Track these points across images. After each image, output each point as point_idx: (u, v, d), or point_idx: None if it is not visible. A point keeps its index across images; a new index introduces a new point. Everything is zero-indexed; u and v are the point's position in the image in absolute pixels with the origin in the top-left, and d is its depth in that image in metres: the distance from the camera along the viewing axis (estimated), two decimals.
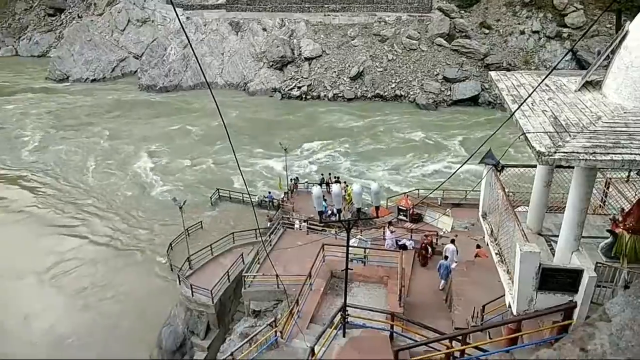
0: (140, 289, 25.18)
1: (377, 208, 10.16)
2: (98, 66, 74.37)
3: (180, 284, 22.16)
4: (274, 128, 50.14)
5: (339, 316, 12.39)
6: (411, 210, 26.14)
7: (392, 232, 21.46)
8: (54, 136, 50.64)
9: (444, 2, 65.14)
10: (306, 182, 32.83)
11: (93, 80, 72.28)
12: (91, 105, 60.92)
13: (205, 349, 20.83)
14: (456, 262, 17.84)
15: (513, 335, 8.90)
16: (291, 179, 32.93)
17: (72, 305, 24.56)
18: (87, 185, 38.98)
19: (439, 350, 10.00)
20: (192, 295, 21.31)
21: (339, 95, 60.13)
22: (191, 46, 7.41)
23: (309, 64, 63.89)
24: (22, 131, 52.23)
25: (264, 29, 68.33)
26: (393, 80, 59.94)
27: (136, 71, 71.72)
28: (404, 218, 26.25)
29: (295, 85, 62.26)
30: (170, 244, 26.87)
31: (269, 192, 32.00)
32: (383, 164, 40.99)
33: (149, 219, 32.99)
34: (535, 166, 9.43)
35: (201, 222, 29.47)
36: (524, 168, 10.37)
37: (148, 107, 59.15)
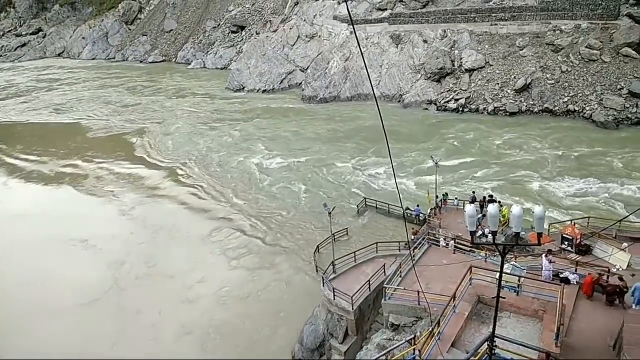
0: (287, 284, 26.78)
1: (539, 235, 9.13)
2: (269, 78, 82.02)
3: (323, 285, 22.63)
4: (423, 140, 49.59)
5: (484, 346, 11.38)
6: (578, 241, 22.96)
7: (551, 262, 19.12)
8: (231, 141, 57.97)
9: (635, 7, 56.35)
10: (456, 198, 31.12)
11: (264, 91, 79.92)
12: (245, 110, 69.12)
13: (342, 353, 20.94)
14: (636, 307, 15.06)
15: None
16: (443, 194, 31.75)
17: (235, 281, 27.52)
18: (235, 179, 43.89)
19: None
20: (334, 299, 21.58)
21: (501, 108, 56.27)
22: (362, 53, 7.50)
23: (469, 76, 61.14)
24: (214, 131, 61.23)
25: (425, 41, 67.58)
26: (566, 94, 53.94)
27: (301, 83, 77.18)
28: (569, 248, 23.20)
29: (452, 98, 60.15)
30: (317, 247, 27.88)
31: (417, 206, 31.29)
32: (544, 185, 37.39)
33: (296, 219, 34.80)
34: None
35: (347, 228, 30.12)
36: None
37: (304, 115, 63.96)
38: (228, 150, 52.26)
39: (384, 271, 22.55)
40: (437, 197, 31.29)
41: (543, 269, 18.96)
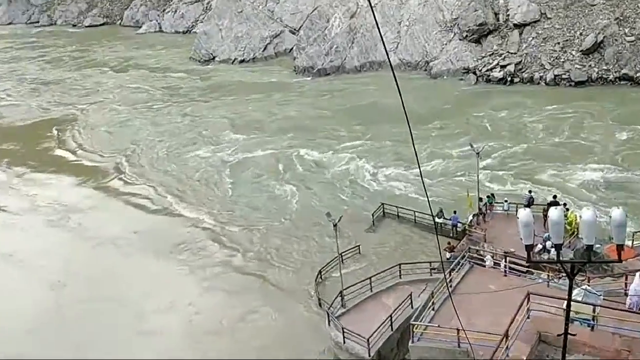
0: (277, 320, 26.87)
1: (619, 247, 9.09)
2: (248, 44, 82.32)
3: (329, 324, 22.78)
4: (458, 123, 49.94)
5: None
6: None
7: None
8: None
9: None
10: (505, 201, 31.05)
11: (242, 61, 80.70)
12: (211, 87, 71.38)
13: None
14: None
15: None
16: (488, 196, 31.81)
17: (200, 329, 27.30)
18: (200, 179, 45.42)
19: None
20: (344, 342, 21.66)
21: (563, 76, 56.55)
22: (372, 7, 7.46)
23: (520, 33, 61.37)
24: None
25: None
26: None
27: (292, 49, 77.60)
28: None
29: (497, 64, 60.37)
30: (320, 272, 27.92)
31: (454, 213, 31.02)
32: (622, 181, 37.70)
33: (288, 233, 35.05)
34: None
35: (359, 246, 30.13)
36: None
37: (294, 92, 65.36)
38: (187, 140, 53.62)
39: (411, 303, 22.69)
40: (480, 200, 31.15)
41: (629, 294, 18.80)
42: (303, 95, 64.73)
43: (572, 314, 12.52)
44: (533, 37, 60.29)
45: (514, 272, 23.25)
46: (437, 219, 30.82)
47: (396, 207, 33.88)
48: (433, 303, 20.71)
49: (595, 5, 59.52)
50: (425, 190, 12.80)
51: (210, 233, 36.50)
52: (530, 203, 29.90)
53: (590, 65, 56.25)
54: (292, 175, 44.33)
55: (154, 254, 34.24)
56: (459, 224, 30.63)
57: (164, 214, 40.14)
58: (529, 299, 16.94)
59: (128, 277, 31.73)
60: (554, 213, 9.21)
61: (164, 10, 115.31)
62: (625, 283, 20.06)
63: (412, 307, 22.45)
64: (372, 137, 49.39)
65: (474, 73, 60.79)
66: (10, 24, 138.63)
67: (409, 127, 8.38)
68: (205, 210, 39.66)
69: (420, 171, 12.23)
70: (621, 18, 57.48)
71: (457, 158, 43.24)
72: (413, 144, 9.93)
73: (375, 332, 21.39)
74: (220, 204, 40.58)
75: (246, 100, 63.97)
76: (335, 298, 24.18)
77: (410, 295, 23.06)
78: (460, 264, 23.66)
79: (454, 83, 59.51)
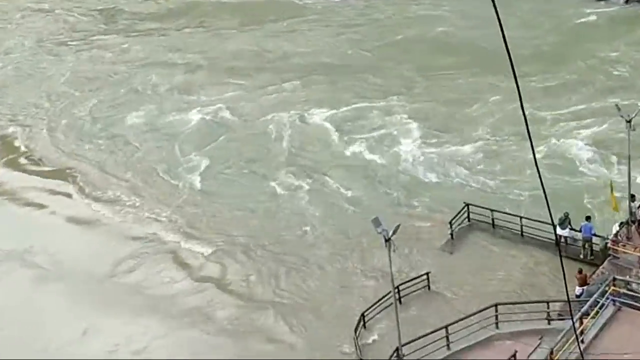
0: None
1: None
2: None
3: None
4: (585, 66, 39.92)
5: None
6: None
7: None
8: None
9: None
10: None
11: None
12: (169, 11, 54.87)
13: None
14: None
15: None
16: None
17: None
18: (149, 159, 35.66)
19: None
20: None
21: None
22: None
23: None
24: None
25: None
26: None
27: None
28: None
29: None
30: (363, 317, 22.56)
31: (587, 219, 24.83)
32: None
33: (313, 255, 28.07)
34: None
35: (427, 274, 24.44)
36: None
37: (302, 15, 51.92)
38: (128, 97, 42.63)
39: None
40: (632, 197, 25.11)
41: None
42: (320, 21, 50.66)
43: None
44: None
45: None
46: (559, 230, 24.51)
47: (490, 210, 27.09)
48: None
49: None
50: (541, 181, 7.99)
51: (171, 258, 28.76)
52: None
53: None
54: (299, 153, 35.08)
55: (86, 278, 27.65)
56: (594, 238, 24.74)
57: (86, 225, 31.86)
58: None
59: (52, 313, 25.92)
60: None
61: None
62: None
63: None
64: (428, 90, 39.14)
65: None
66: None
67: (515, 77, 5.86)
68: (161, 216, 31.22)
69: (533, 151, 6.00)
70: None
71: (578, 126, 34.40)
72: (522, 106, 6.52)
73: None
74: (186, 204, 32.10)
75: (227, 32, 50.51)
76: (391, 356, 19.70)
77: (514, 356, 18.93)
78: (599, 305, 20.63)
79: (576, 4, 48.27)
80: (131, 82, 44.42)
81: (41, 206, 33.05)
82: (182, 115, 39.80)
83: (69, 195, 33.50)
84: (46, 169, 35.91)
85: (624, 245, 24.30)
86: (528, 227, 25.79)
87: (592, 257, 24.82)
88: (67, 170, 35.30)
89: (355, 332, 22.77)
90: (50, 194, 33.95)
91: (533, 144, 8.62)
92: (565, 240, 25.07)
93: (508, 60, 6.86)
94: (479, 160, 33.50)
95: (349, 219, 29.81)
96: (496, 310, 20.74)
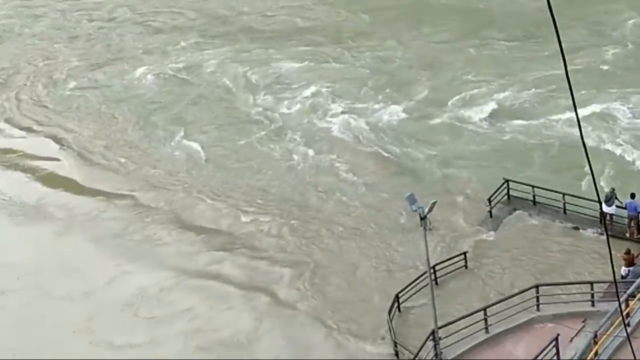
0: None
1: None
2: None
3: None
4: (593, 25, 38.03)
5: None
6: None
7: None
8: None
9: None
10: None
11: None
12: None
13: None
14: None
15: None
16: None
17: None
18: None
19: None
20: None
21: None
22: None
23: None
24: None
25: None
26: None
27: None
28: None
29: None
30: (397, 298, 21.86)
31: (633, 196, 23.90)
32: None
33: (338, 233, 26.82)
34: None
35: (465, 253, 23.67)
36: None
37: None
38: (93, 53, 41.02)
39: (557, 354, 18.46)
40: None
41: None
42: None
43: None
44: None
45: None
46: (605, 207, 23.49)
47: (531, 186, 26.16)
48: (598, 354, 17.80)
49: None
50: (586, 153, 7.36)
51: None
52: None
53: None
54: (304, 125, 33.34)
55: (71, 294, 24.75)
56: None
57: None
58: None
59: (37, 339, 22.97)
60: None
61: None
62: None
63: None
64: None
65: None
66: None
67: (559, 41, 5.19)
68: (160, 197, 29.45)
69: (577, 118, 5.29)
70: None
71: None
72: (565, 68, 5.60)
73: None
74: (194, 181, 30.41)
75: None
76: (425, 343, 19.32)
77: (557, 339, 18.54)
78: None
79: None
80: (94, 39, 43.06)
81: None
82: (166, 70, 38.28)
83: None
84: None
85: None
86: (571, 204, 25.07)
87: (639, 236, 23.92)
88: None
89: (389, 312, 22.30)
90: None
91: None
92: (611, 218, 24.28)
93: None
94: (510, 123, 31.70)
95: (374, 194, 28.45)
96: (537, 292, 20.37)
